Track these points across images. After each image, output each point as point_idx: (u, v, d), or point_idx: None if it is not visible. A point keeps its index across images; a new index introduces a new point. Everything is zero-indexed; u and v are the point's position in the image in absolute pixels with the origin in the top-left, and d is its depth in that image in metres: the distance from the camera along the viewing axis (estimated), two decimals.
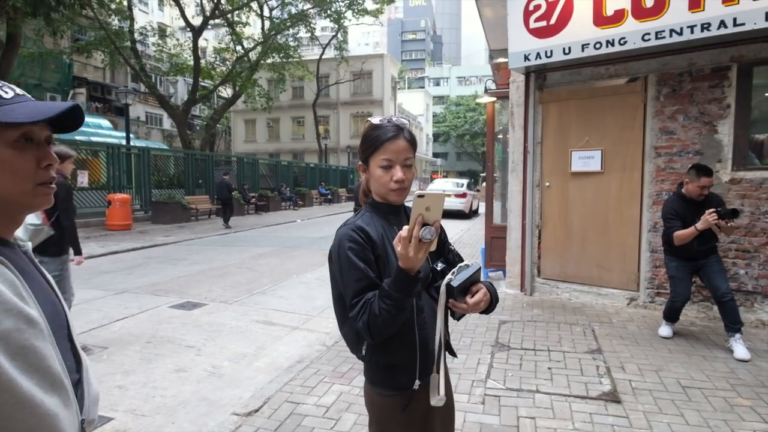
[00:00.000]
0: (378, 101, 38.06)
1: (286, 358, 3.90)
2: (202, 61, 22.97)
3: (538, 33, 5.02)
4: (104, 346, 4.10)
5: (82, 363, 0.95)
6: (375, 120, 1.40)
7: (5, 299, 0.76)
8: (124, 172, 14.44)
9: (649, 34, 4.34)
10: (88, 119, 20.58)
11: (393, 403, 1.37)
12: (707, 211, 3.62)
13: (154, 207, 14.68)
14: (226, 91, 27.58)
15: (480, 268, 1.36)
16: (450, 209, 15.52)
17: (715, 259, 3.89)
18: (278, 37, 23.63)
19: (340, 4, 24.26)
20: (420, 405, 1.38)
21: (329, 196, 26.38)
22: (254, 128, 40.48)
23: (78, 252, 3.91)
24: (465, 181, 19.48)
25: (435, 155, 60.35)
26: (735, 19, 3.91)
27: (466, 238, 11.31)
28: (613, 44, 4.55)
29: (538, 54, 5.03)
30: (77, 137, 13.62)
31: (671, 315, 4.08)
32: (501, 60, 7.39)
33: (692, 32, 4.11)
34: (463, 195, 16.88)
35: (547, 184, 5.55)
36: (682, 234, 3.76)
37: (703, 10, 4.05)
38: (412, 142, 1.38)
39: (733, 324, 3.71)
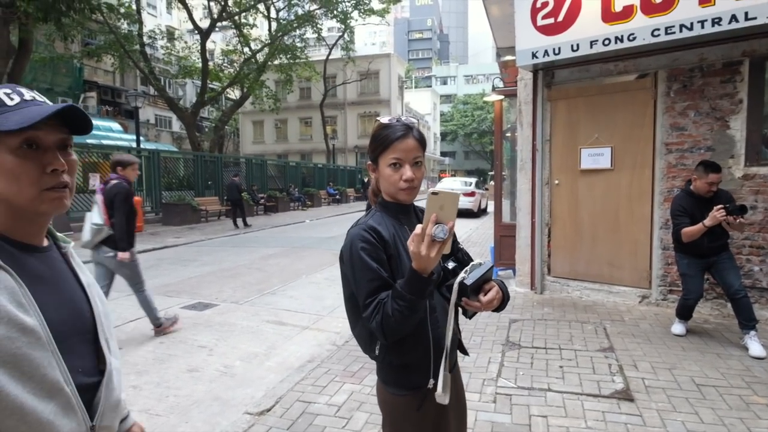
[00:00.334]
0: (385, 101, 38.07)
1: (297, 358, 3.92)
2: (210, 64, 23.13)
3: (546, 30, 5.00)
4: (118, 347, 4.15)
5: (106, 367, 0.95)
6: (384, 119, 1.40)
7: None
8: None
9: (658, 29, 4.30)
10: (98, 122, 20.83)
11: (406, 403, 1.37)
12: (715, 208, 3.59)
13: (165, 209, 14.82)
14: (234, 93, 27.72)
15: (492, 267, 1.36)
16: (459, 208, 15.45)
17: (727, 256, 3.85)
18: (285, 38, 23.72)
19: (347, 4, 24.31)
20: (433, 404, 1.37)
21: (338, 196, 26.45)
22: (262, 129, 40.69)
23: (123, 249, 4.20)
24: (473, 180, 19.44)
25: (443, 154, 60.24)
26: (746, 13, 3.86)
27: (475, 237, 11.28)
28: (622, 40, 4.52)
29: (546, 51, 5.01)
30: (88, 140, 13.79)
31: (684, 312, 4.05)
32: (508, 58, 7.36)
33: (703, 27, 4.07)
34: (472, 194, 16.83)
35: (557, 181, 5.52)
36: (690, 231, 3.73)
37: (714, 4, 4.00)
38: (422, 141, 1.38)
39: (747, 321, 3.66)
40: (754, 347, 3.58)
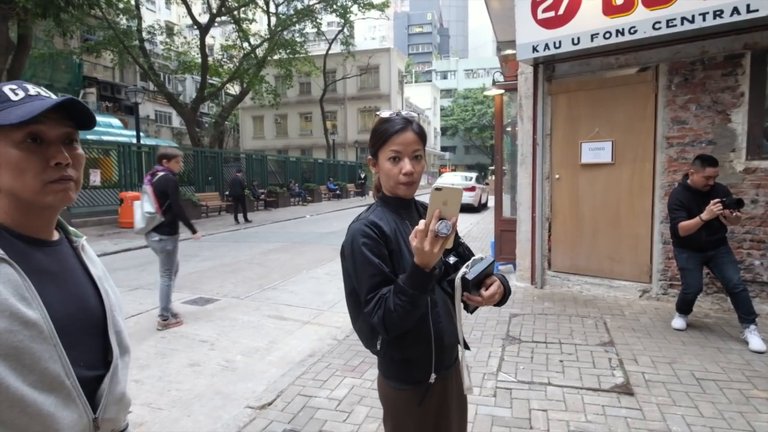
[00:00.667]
0: (385, 95, 37.96)
1: (297, 352, 3.93)
2: (210, 59, 23.05)
3: (547, 23, 4.97)
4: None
5: (112, 360, 0.96)
6: (384, 114, 1.40)
7: (1, 301, 0.77)
8: (135, 170, 14.59)
9: (659, 22, 4.27)
10: (99, 119, 20.74)
11: (408, 397, 1.37)
12: (712, 201, 3.60)
13: None
14: (234, 88, 27.65)
15: (493, 262, 1.36)
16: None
17: (726, 250, 3.85)
18: (284, 33, 23.63)
19: None
20: (434, 399, 1.38)
21: (338, 192, 26.43)
22: (262, 125, 40.62)
23: (193, 231, 4.81)
24: (474, 175, 19.43)
25: (443, 149, 60.13)
26: (748, 6, 3.84)
27: (476, 232, 11.28)
28: (623, 33, 4.50)
29: (547, 45, 4.99)
30: (88, 136, 13.78)
31: (684, 307, 4.05)
32: (509, 52, 7.32)
33: (704, 20, 4.05)
34: (472, 188, 16.82)
35: (557, 176, 5.51)
36: (687, 225, 3.73)
37: None
38: (421, 135, 1.38)
39: (746, 315, 3.67)
40: (754, 341, 3.58)
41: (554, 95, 5.53)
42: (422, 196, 1.38)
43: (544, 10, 4.96)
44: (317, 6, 24.22)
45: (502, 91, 7.03)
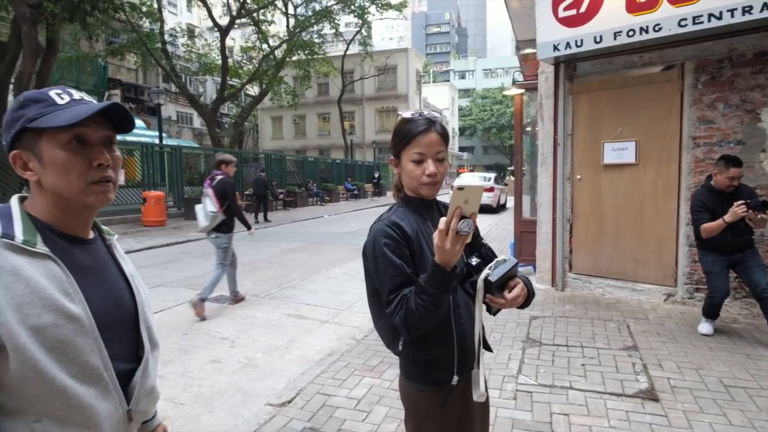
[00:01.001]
0: (403, 96, 37.92)
1: (316, 351, 3.96)
2: (230, 60, 23.37)
3: (568, 22, 4.90)
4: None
5: (144, 354, 0.99)
6: (406, 114, 1.39)
7: (47, 296, 0.81)
8: (157, 170, 14.89)
9: (685, 19, 4.17)
10: None
11: (430, 399, 1.37)
12: (736, 203, 3.50)
13: (187, 203, 15.05)
14: (253, 89, 27.96)
15: (517, 263, 1.35)
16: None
17: (752, 253, 3.74)
18: (303, 34, 23.81)
19: None
20: (457, 401, 1.38)
21: (356, 192, 26.50)
22: (281, 125, 41.00)
23: (248, 227, 5.52)
24: (492, 175, 19.25)
25: (461, 149, 59.78)
26: None
27: (495, 233, 11.18)
28: (647, 31, 4.40)
29: (568, 44, 4.91)
30: None
31: (710, 311, 3.95)
32: (528, 51, 7.24)
33: (732, 16, 3.94)
34: (491, 189, 16.67)
35: (579, 176, 5.43)
36: (709, 226, 3.64)
37: None
38: (444, 136, 1.37)
39: None
40: None
41: (576, 94, 5.45)
42: (443, 196, 1.37)
43: (566, 8, 4.88)
44: (335, 7, 24.34)
45: (522, 90, 6.95)
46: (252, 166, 19.21)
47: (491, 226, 12.49)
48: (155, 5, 19.96)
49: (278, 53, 23.11)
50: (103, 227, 1.06)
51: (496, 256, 1.42)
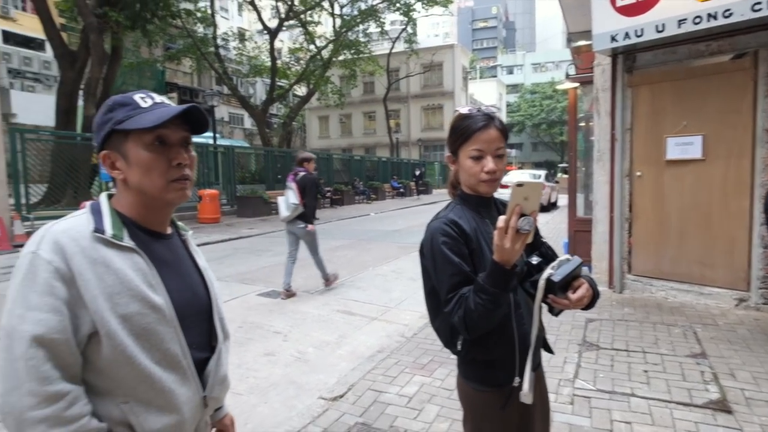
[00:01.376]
0: (449, 93, 37.53)
1: (366, 347, 3.99)
2: (278, 62, 23.99)
3: (627, 11, 4.66)
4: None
5: (216, 344, 1.05)
6: (464, 110, 1.37)
7: (133, 286, 0.87)
8: (212, 169, 15.53)
9: (760, 3, 3.85)
10: None
11: (489, 399, 1.34)
12: None
13: (239, 201, 15.64)
14: (301, 90, 28.60)
15: (581, 263, 1.30)
16: None
17: None
18: (349, 33, 24.07)
19: None
20: (518, 403, 1.34)
21: (401, 190, 26.52)
22: (327, 124, 41.67)
23: (310, 223, 5.81)
24: (542, 173, 18.70)
25: (509, 146, 57.79)
26: None
27: (546, 232, 10.86)
28: (715, 17, 4.10)
29: (627, 34, 4.67)
30: None
31: None
32: (582, 43, 6.97)
33: None
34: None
35: (639, 173, 5.16)
36: None
37: None
38: (504, 132, 1.35)
39: None
40: None
41: (635, 87, 5.18)
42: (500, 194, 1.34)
43: None
44: (381, 5, 24.43)
45: (576, 84, 6.70)
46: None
47: (542, 225, 12.05)
48: (209, 11, 20.81)
49: (325, 53, 23.50)
50: (179, 223, 1.12)
51: (557, 255, 1.38)
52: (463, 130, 1.33)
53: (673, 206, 4.93)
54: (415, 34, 27.46)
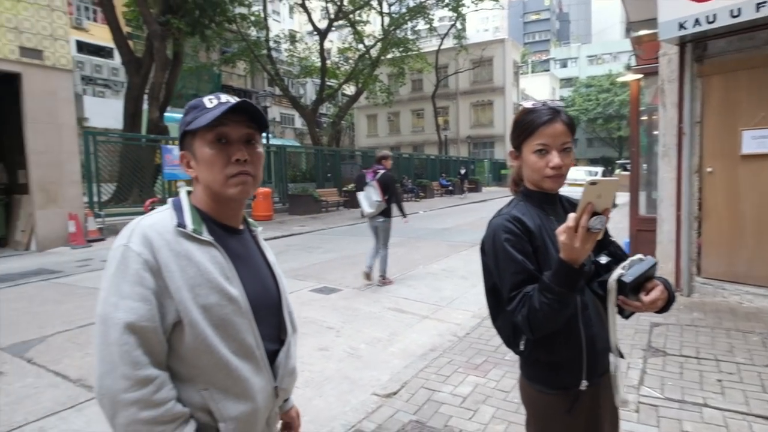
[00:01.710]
0: (499, 88, 36.72)
1: (418, 346, 3.98)
2: (328, 62, 24.41)
3: None
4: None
5: (286, 337, 1.08)
6: (528, 104, 1.33)
7: (212, 278, 0.91)
8: (264, 167, 15.97)
9: None
10: None
11: (555, 402, 1.30)
12: None
13: (290, 199, 16.07)
14: (350, 89, 28.95)
15: (656, 263, 1.24)
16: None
17: None
18: (397, 31, 24.08)
19: None
20: (585, 407, 1.30)
21: (450, 188, 26.25)
22: (376, 123, 41.94)
23: (404, 215, 6.53)
24: (599, 170, 17.96)
25: None
26: None
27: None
28: None
29: (697, 20, 4.36)
30: None
31: None
32: (644, 32, 6.57)
33: None
34: None
35: (709, 169, 4.82)
36: None
37: None
38: (571, 126, 1.29)
39: None
40: None
41: (706, 77, 4.84)
42: (566, 191, 1.29)
43: None
44: (429, 2, 24.25)
45: (640, 76, 6.35)
46: (348, 164, 19.89)
47: None
48: (262, 15, 21.49)
49: (373, 52, 23.65)
50: (250, 219, 1.17)
51: (627, 255, 1.32)
52: (528, 124, 1.29)
53: (748, 204, 4.57)
54: (464, 29, 27.07)
